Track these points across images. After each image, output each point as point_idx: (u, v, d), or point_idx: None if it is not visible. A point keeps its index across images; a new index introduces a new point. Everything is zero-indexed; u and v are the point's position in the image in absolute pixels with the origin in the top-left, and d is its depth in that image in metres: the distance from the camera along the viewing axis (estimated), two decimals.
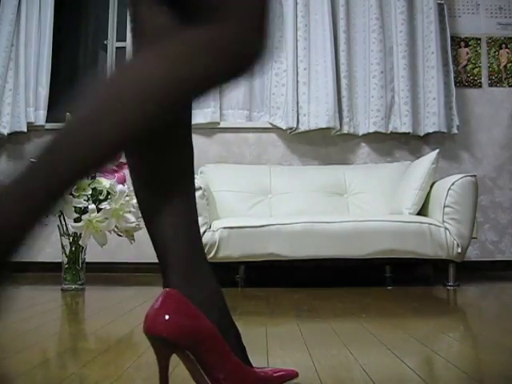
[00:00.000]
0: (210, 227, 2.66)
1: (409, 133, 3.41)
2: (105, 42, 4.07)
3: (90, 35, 4.37)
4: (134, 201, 2.53)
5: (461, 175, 2.73)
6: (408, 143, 3.52)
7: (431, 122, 3.38)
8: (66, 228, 2.55)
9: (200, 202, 2.66)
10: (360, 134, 3.45)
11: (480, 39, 3.58)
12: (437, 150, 2.93)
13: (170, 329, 0.78)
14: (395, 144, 3.52)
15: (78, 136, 0.67)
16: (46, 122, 3.57)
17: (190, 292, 0.81)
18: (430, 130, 3.39)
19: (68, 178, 0.68)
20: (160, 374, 0.82)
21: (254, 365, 0.88)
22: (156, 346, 0.80)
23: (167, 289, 0.81)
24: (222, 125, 3.52)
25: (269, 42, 0.74)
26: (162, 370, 0.82)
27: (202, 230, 2.63)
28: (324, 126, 3.35)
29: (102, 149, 0.67)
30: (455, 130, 3.42)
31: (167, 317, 0.78)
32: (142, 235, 3.42)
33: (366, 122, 3.43)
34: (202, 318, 0.81)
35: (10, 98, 3.46)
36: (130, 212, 2.48)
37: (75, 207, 2.44)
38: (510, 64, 3.57)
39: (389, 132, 3.42)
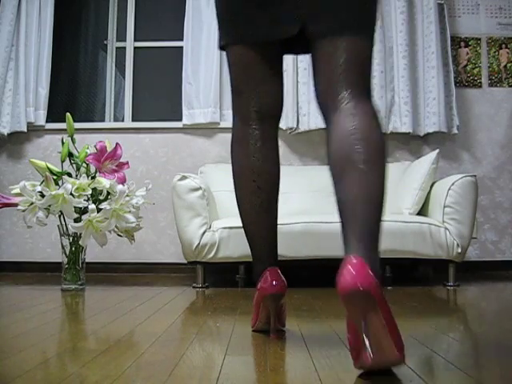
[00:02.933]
0: (210, 227, 2.66)
1: (409, 133, 3.41)
2: (105, 42, 4.07)
3: (90, 35, 4.37)
4: (134, 201, 2.53)
5: (461, 175, 2.73)
6: (408, 143, 3.52)
7: (431, 122, 3.38)
8: (66, 228, 2.55)
9: (200, 202, 2.66)
10: None
11: (480, 39, 3.58)
12: (437, 150, 2.93)
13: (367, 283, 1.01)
14: (395, 144, 3.52)
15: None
16: (46, 122, 3.57)
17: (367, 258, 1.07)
18: (430, 130, 3.39)
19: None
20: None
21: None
22: (356, 299, 1.02)
23: (355, 256, 1.06)
24: (222, 125, 3.52)
25: None
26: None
27: (201, 230, 2.63)
28: (324, 126, 3.35)
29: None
30: (455, 130, 3.42)
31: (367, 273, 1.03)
32: (142, 235, 3.46)
33: None
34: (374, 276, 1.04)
35: (10, 98, 3.46)
36: (129, 212, 2.48)
37: (75, 207, 2.44)
38: (510, 64, 3.57)
39: (389, 132, 3.42)
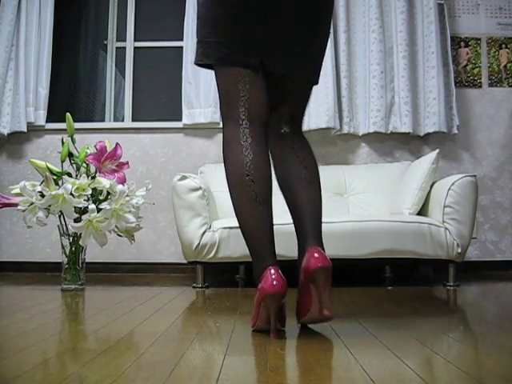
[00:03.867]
0: (210, 227, 2.66)
1: (409, 133, 3.41)
2: (105, 42, 4.07)
3: (89, 35, 4.38)
4: (134, 201, 2.53)
5: (461, 175, 2.73)
6: (408, 143, 3.52)
7: (431, 122, 3.38)
8: (66, 228, 2.55)
9: (200, 202, 2.66)
10: (360, 134, 3.45)
11: (480, 39, 3.58)
12: (437, 150, 2.94)
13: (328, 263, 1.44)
14: (395, 144, 3.52)
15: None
16: (46, 122, 3.57)
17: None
18: (431, 130, 3.39)
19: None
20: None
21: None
22: (323, 274, 1.42)
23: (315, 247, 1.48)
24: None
25: None
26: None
27: (201, 230, 2.63)
28: (324, 126, 3.35)
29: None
30: (455, 130, 3.42)
31: (325, 257, 1.45)
32: (142, 235, 3.45)
33: (366, 122, 3.43)
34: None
35: (10, 98, 3.46)
36: (130, 212, 2.48)
37: (75, 207, 2.44)
38: (510, 64, 3.57)
39: (389, 132, 3.42)
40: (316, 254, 1.43)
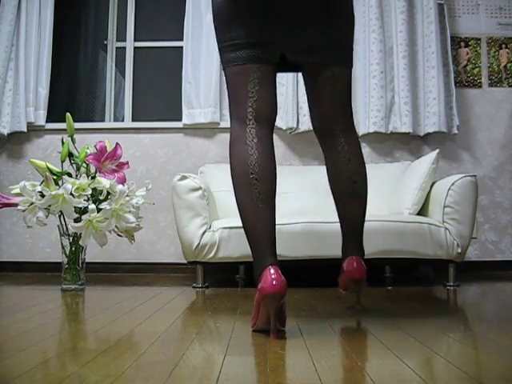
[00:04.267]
0: (210, 227, 2.66)
1: (409, 133, 3.41)
2: (105, 42, 4.07)
3: (90, 35, 4.38)
4: (134, 201, 2.53)
5: (461, 175, 2.73)
6: (408, 143, 3.52)
7: (431, 122, 3.38)
8: (66, 228, 2.55)
9: (200, 202, 2.66)
10: (360, 134, 3.45)
11: (480, 39, 3.58)
12: (437, 150, 2.93)
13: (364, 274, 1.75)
14: (395, 144, 3.52)
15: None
16: (46, 122, 3.57)
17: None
18: (431, 130, 3.38)
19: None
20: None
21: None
22: (358, 284, 1.77)
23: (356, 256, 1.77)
24: (222, 125, 3.53)
25: None
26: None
27: (201, 230, 2.63)
28: None
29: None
30: (455, 130, 3.42)
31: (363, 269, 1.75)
32: (142, 235, 3.45)
33: (366, 121, 3.42)
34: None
35: (10, 98, 3.46)
36: (130, 212, 2.48)
37: (75, 207, 2.44)
38: (510, 64, 3.57)
39: (389, 132, 3.42)
40: (355, 264, 1.74)
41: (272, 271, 1.43)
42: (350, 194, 1.73)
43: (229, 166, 1.60)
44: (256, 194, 1.53)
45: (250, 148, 1.57)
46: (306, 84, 1.74)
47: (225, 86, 3.12)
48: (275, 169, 1.60)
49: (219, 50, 1.69)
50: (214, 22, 1.69)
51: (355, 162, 1.72)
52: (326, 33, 1.64)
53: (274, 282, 1.41)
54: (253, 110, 1.61)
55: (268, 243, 1.52)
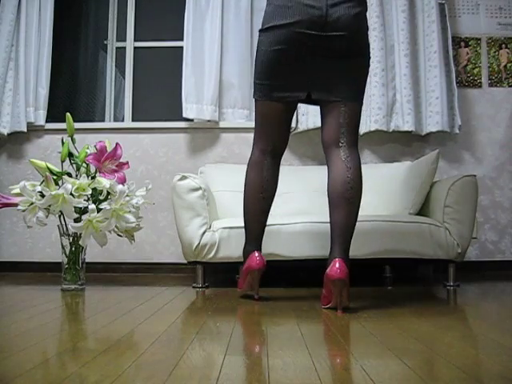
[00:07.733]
0: (210, 227, 2.66)
1: (411, 132, 3.41)
2: (105, 42, 4.07)
3: (90, 35, 4.38)
4: (134, 201, 2.53)
5: (461, 175, 2.73)
6: (409, 143, 3.52)
7: (434, 122, 3.37)
8: (66, 228, 2.55)
9: (200, 202, 2.66)
10: (361, 132, 3.45)
11: (480, 39, 3.58)
12: (437, 151, 2.93)
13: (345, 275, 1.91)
14: (396, 144, 3.52)
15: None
16: (46, 121, 3.58)
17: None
18: (433, 130, 3.37)
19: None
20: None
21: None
22: (337, 286, 1.89)
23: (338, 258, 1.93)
24: (222, 125, 3.53)
25: None
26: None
27: (201, 230, 2.63)
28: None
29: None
30: (457, 130, 3.41)
31: (344, 269, 1.90)
32: (142, 235, 3.45)
33: (368, 120, 3.42)
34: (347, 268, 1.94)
35: (10, 98, 3.46)
36: (130, 212, 2.48)
37: (75, 207, 2.44)
38: (510, 64, 3.57)
39: (391, 130, 3.41)
40: (337, 265, 1.90)
41: (256, 254, 2.17)
42: (345, 199, 1.97)
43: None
44: (259, 207, 2.18)
45: (265, 176, 2.17)
46: (322, 113, 2.11)
47: (225, 85, 3.52)
48: (276, 188, 2.22)
49: (255, 84, 2.12)
50: (256, 62, 2.09)
51: (355, 173, 2.00)
52: (346, 74, 2.02)
53: (258, 260, 2.15)
54: (273, 147, 2.19)
55: (258, 236, 2.21)
